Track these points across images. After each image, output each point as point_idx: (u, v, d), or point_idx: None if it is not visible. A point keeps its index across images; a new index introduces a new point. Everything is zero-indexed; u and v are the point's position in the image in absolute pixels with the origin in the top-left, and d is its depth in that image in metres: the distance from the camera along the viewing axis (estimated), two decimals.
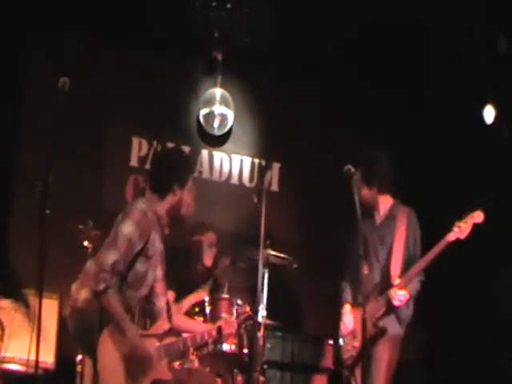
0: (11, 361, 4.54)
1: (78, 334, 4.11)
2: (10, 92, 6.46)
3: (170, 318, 4.34)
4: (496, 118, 6.55)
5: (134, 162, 7.05)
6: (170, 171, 4.31)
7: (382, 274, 4.96)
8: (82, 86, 6.12)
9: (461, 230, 4.69)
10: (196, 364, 5.16)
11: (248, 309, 4.66)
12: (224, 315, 5.39)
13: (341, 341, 5.02)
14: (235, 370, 5.51)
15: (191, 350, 5.20)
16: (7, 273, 6.09)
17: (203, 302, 5.50)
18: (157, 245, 4.21)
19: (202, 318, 5.37)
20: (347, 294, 5.14)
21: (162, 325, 4.22)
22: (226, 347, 5.27)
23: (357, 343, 4.83)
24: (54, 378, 4.84)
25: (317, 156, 7.44)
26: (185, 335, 4.47)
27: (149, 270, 4.18)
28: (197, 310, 5.45)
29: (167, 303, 4.37)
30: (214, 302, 5.49)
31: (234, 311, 5.27)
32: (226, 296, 5.58)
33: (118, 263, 3.95)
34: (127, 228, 4.04)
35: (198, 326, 4.59)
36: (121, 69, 6.99)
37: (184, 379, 4.95)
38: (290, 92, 7.52)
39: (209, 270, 6.33)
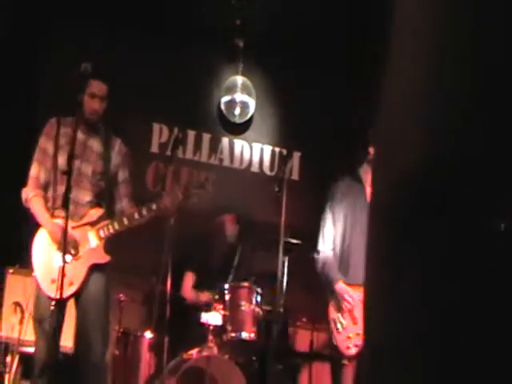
0: (30, 344, 4.54)
1: None
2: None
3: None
4: None
5: (154, 149, 7.05)
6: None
7: None
8: (104, 71, 6.10)
9: None
10: (215, 351, 5.17)
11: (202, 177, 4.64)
12: (243, 302, 5.42)
13: (338, 326, 4.55)
14: (254, 358, 5.51)
15: (210, 336, 5.24)
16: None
17: (222, 290, 5.49)
18: (79, 137, 4.32)
19: (221, 305, 5.37)
20: (334, 268, 4.67)
21: (96, 212, 4.37)
22: (245, 335, 5.29)
23: (361, 330, 4.51)
24: (73, 362, 4.84)
25: (338, 144, 7.39)
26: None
27: (82, 164, 4.38)
28: (216, 297, 5.44)
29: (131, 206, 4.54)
30: (233, 290, 5.48)
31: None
32: (246, 284, 5.58)
33: (35, 173, 4.37)
34: (39, 142, 4.44)
35: None
36: (143, 55, 6.96)
37: (203, 366, 4.98)
38: (312, 80, 7.48)
39: (232, 245, 6.35)
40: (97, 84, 4.42)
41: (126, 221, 4.32)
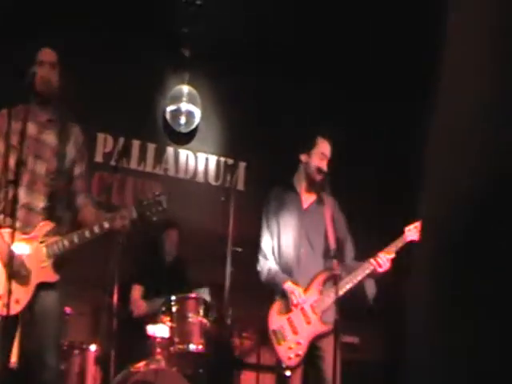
0: None
1: None
2: None
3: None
4: None
5: (98, 158, 6.97)
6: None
7: (323, 263, 4.67)
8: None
9: (417, 231, 4.58)
10: (163, 364, 5.13)
11: (155, 193, 4.25)
12: (190, 314, 5.39)
13: (279, 337, 4.52)
14: (201, 370, 5.48)
15: (157, 349, 5.19)
16: None
17: (170, 300, 5.46)
18: (31, 132, 4.08)
19: (168, 317, 5.33)
20: (278, 272, 4.68)
21: (45, 226, 4.08)
22: (192, 347, 5.25)
23: (302, 339, 4.49)
24: (17, 377, 4.74)
25: (282, 155, 7.41)
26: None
27: (35, 164, 4.10)
28: (163, 309, 5.40)
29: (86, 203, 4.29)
30: (180, 302, 5.45)
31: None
32: (193, 295, 5.55)
33: None
34: None
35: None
36: (86, 64, 6.84)
37: (151, 380, 4.92)
38: (257, 91, 7.49)
39: (170, 264, 6.35)
40: (44, 51, 4.19)
41: (76, 239, 4.07)
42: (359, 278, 4.59)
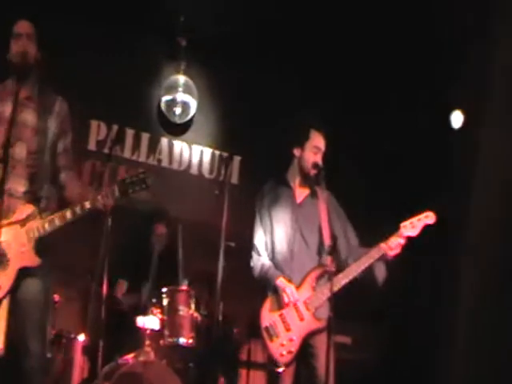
0: None
1: None
2: None
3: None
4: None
5: (92, 146, 6.89)
6: None
7: (318, 259, 4.59)
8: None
9: (413, 227, 4.55)
10: (152, 356, 5.06)
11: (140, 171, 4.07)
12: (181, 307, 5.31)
13: (271, 333, 4.46)
14: (191, 364, 5.42)
15: (147, 341, 5.10)
16: None
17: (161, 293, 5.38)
18: (10, 113, 3.85)
19: (159, 310, 5.26)
20: (271, 268, 4.61)
21: (24, 209, 3.92)
22: (182, 341, 5.20)
23: (295, 336, 4.41)
24: (3, 363, 4.66)
25: (278, 149, 7.33)
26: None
27: (15, 146, 3.89)
28: (154, 301, 5.33)
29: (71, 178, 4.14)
30: (171, 294, 5.38)
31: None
32: (184, 287, 5.50)
33: None
34: None
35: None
36: (82, 50, 6.74)
37: (139, 372, 4.85)
38: (254, 83, 7.40)
39: (157, 257, 6.25)
40: (20, 23, 4.01)
41: (57, 221, 3.91)
42: (358, 271, 4.50)
